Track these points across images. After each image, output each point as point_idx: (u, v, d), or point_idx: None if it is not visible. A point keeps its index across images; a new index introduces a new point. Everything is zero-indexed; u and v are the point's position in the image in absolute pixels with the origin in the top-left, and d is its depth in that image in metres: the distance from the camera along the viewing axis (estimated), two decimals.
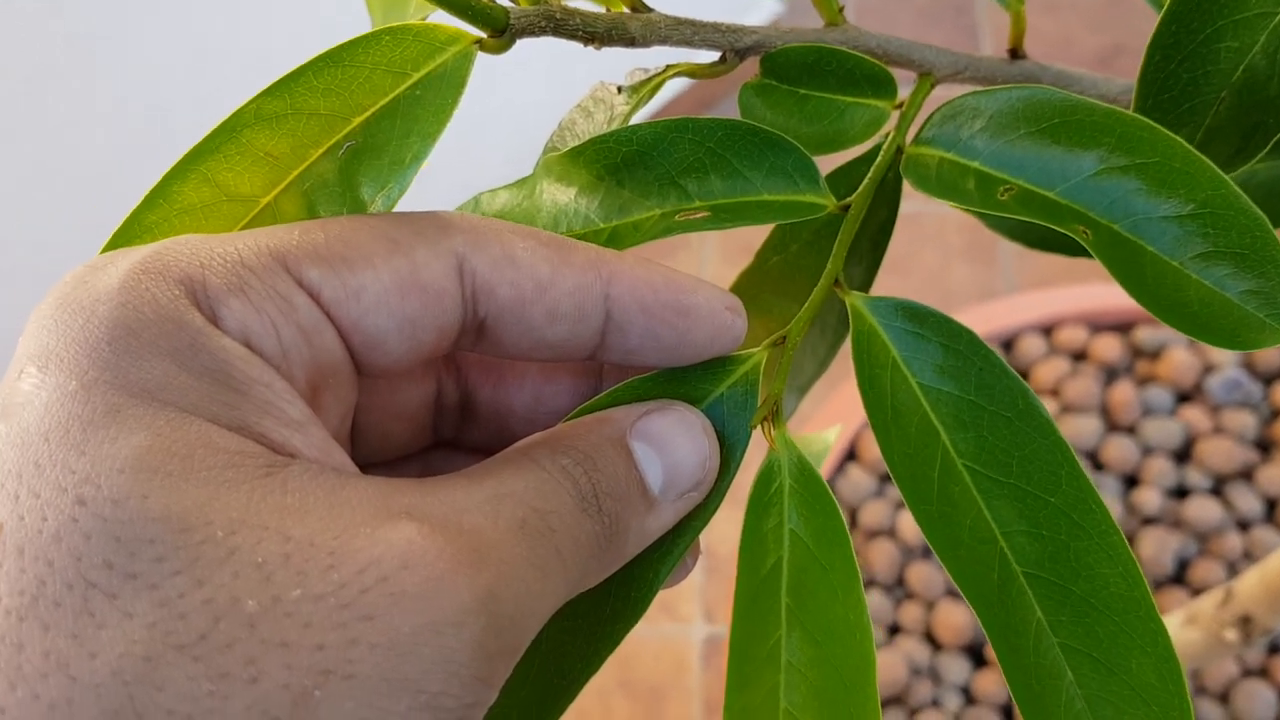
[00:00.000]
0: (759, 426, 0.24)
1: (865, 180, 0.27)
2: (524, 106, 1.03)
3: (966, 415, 0.23)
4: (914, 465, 0.23)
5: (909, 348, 0.24)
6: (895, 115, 0.28)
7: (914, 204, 1.17)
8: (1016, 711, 0.78)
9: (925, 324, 0.24)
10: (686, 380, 0.24)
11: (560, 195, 0.26)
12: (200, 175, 0.22)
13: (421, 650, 0.16)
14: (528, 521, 0.19)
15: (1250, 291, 0.22)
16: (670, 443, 0.22)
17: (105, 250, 0.22)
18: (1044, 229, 0.36)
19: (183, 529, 0.16)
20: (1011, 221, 0.37)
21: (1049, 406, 0.86)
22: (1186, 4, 0.26)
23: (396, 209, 0.23)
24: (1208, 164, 0.23)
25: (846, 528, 0.23)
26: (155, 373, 0.17)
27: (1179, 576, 0.81)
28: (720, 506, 0.23)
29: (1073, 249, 0.36)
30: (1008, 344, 0.89)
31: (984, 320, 0.88)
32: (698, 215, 0.25)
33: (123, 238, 0.22)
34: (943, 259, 1.16)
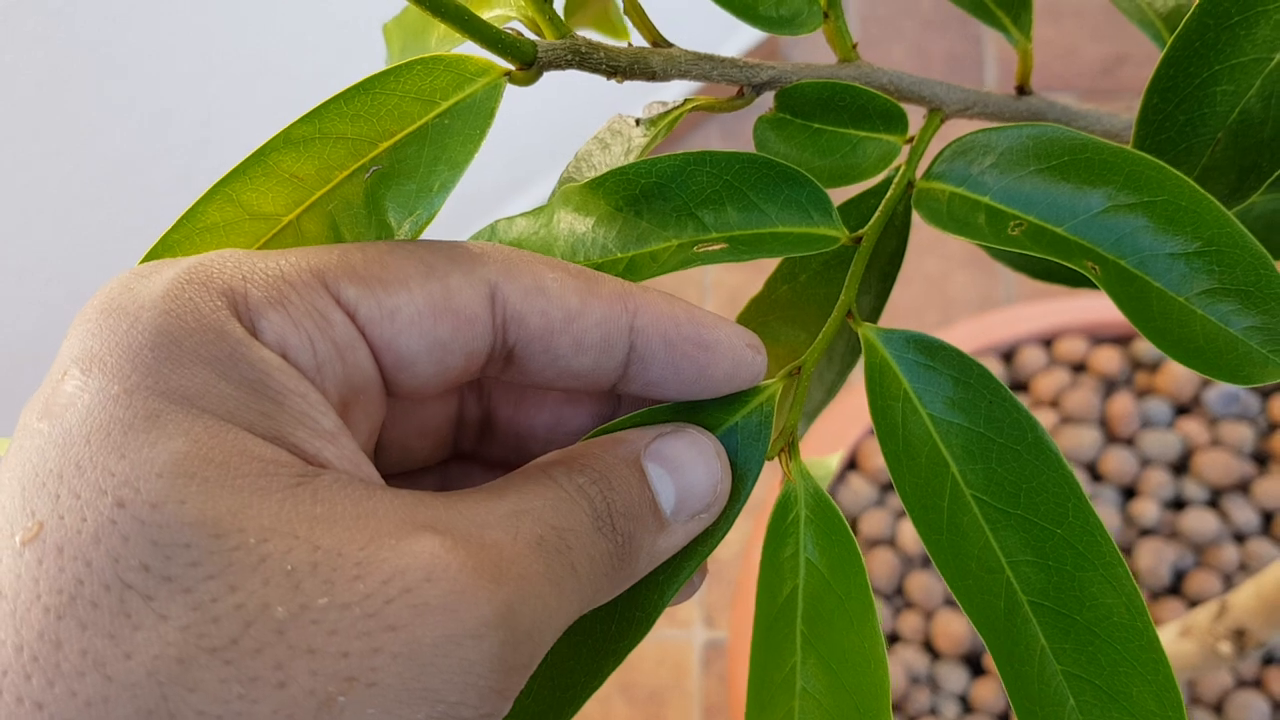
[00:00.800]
0: (775, 457, 0.25)
1: (877, 213, 0.27)
2: (523, 115, 1.04)
3: (976, 447, 0.24)
4: (924, 495, 0.24)
5: (920, 380, 0.25)
6: (906, 150, 0.29)
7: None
8: None
9: (936, 357, 0.25)
10: (703, 409, 0.24)
11: (578, 225, 0.26)
12: (224, 195, 0.23)
13: (442, 661, 0.17)
14: (545, 539, 0.19)
15: (1254, 328, 0.23)
16: (683, 464, 0.23)
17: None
18: (1048, 261, 0.37)
19: (216, 534, 0.16)
20: (1016, 253, 0.38)
21: (1048, 418, 0.86)
22: (1184, 49, 0.27)
23: (424, 236, 0.24)
24: (1213, 202, 0.24)
25: (862, 558, 0.23)
26: (195, 380, 0.18)
27: (1175, 588, 0.82)
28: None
29: (1075, 281, 0.36)
30: (1008, 355, 0.90)
31: (984, 331, 0.89)
32: (715, 247, 0.26)
33: (151, 258, 0.23)
34: (943, 268, 1.16)
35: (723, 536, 0.24)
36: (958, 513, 0.24)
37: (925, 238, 1.17)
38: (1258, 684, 0.78)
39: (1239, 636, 0.66)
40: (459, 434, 0.26)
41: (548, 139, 1.10)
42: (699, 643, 1.05)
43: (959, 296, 1.16)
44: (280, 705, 0.16)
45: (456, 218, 1.08)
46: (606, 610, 0.23)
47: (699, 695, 1.02)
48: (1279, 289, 0.23)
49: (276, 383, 0.19)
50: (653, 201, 0.26)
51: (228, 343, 0.18)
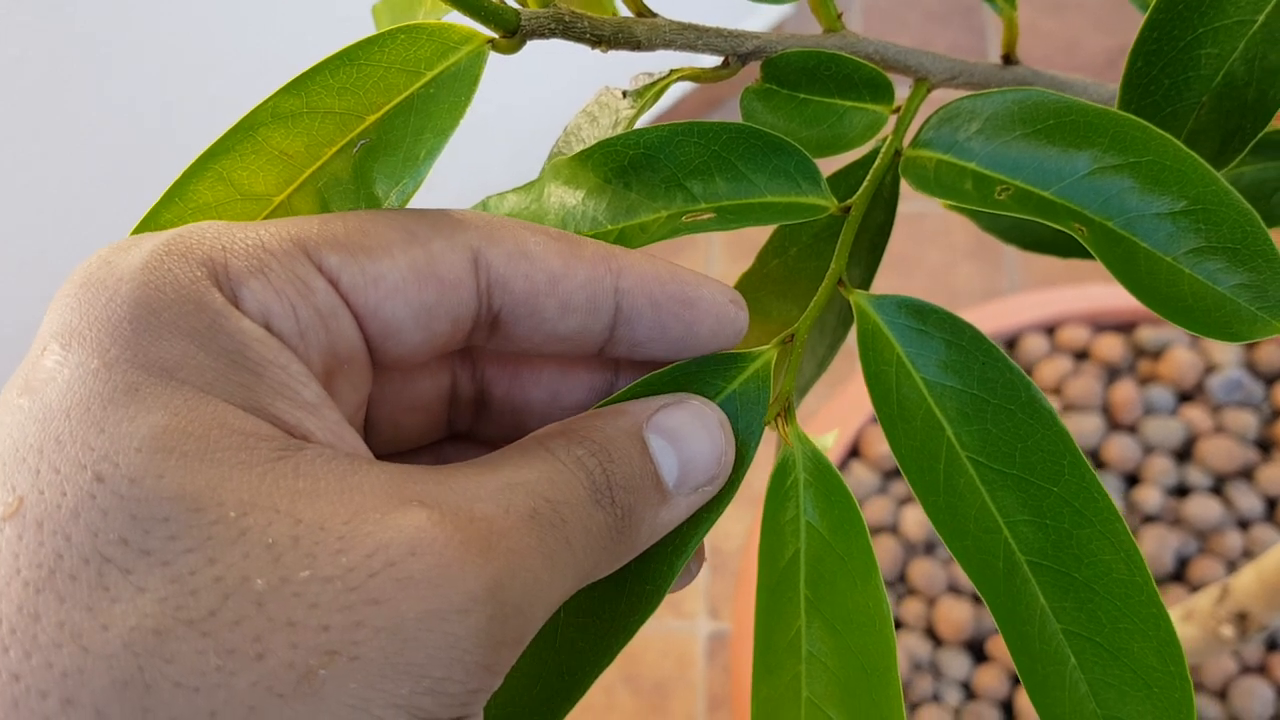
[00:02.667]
0: (772, 422, 0.25)
1: (865, 182, 0.27)
2: (525, 105, 1.04)
3: (970, 409, 0.24)
4: (920, 458, 0.24)
5: (913, 344, 0.25)
6: (893, 120, 0.29)
7: (918, 204, 1.18)
8: (1016, 706, 0.79)
9: (928, 320, 0.25)
10: (700, 377, 0.24)
11: (568, 198, 0.26)
12: (215, 174, 0.22)
13: (426, 636, 0.16)
14: (539, 512, 0.19)
15: (1242, 285, 0.23)
16: (686, 436, 0.23)
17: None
18: (1037, 231, 0.37)
19: (196, 508, 0.16)
20: (1005, 223, 0.38)
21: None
22: (1168, 11, 0.27)
23: (410, 206, 0.24)
24: (1199, 161, 0.24)
25: (863, 518, 0.23)
26: (174, 352, 0.18)
27: (1179, 574, 0.82)
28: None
29: (1066, 250, 0.37)
30: (1011, 343, 0.90)
31: (987, 319, 0.89)
32: (703, 217, 0.26)
33: (140, 230, 0.23)
34: (948, 259, 1.16)
35: (726, 506, 0.24)
36: (954, 474, 0.24)
37: (929, 229, 1.17)
38: (1262, 670, 0.78)
39: (1241, 620, 0.66)
40: (454, 413, 0.26)
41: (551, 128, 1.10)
42: (703, 634, 1.05)
43: (964, 287, 1.16)
44: (259, 677, 0.15)
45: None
46: (615, 587, 0.23)
47: (703, 686, 1.03)
48: (1265, 246, 0.23)
49: (255, 354, 0.19)
50: (641, 173, 0.26)
51: (207, 314, 0.18)
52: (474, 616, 0.17)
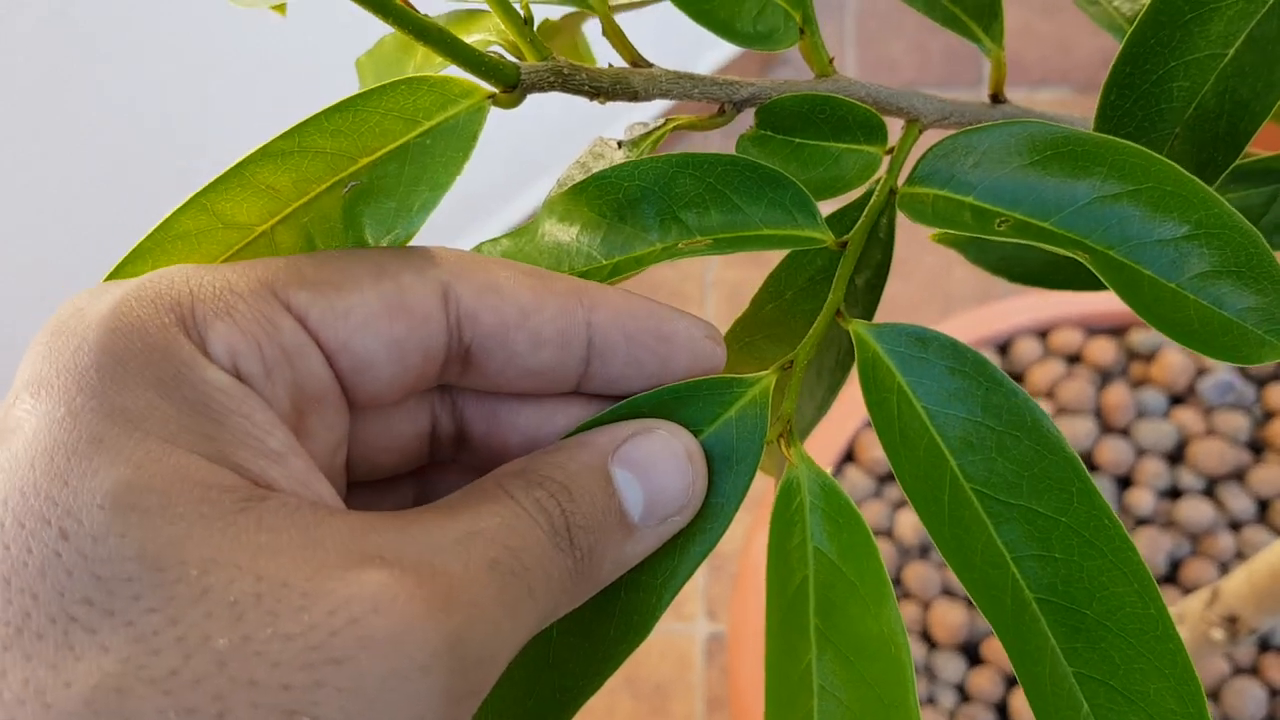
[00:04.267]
0: (775, 442, 0.24)
1: (862, 218, 0.28)
2: (523, 120, 1.05)
3: (974, 437, 0.23)
4: (925, 488, 0.23)
5: (914, 372, 0.24)
6: (887, 160, 0.30)
7: None
8: (1011, 708, 0.80)
9: (929, 348, 0.24)
10: (695, 402, 0.24)
11: (562, 235, 0.26)
12: (199, 205, 0.22)
13: (389, 696, 0.16)
14: (499, 561, 0.19)
15: (1250, 309, 0.23)
16: (653, 468, 0.22)
17: (108, 279, 0.22)
18: (1026, 263, 0.38)
19: (158, 568, 0.16)
20: (993, 257, 0.38)
21: (1044, 409, 0.87)
22: (1140, 45, 0.27)
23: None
24: (1200, 185, 0.24)
25: (874, 540, 0.22)
26: (140, 402, 0.18)
27: (1171, 576, 0.83)
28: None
29: (1054, 282, 0.37)
30: (1003, 347, 0.90)
31: (980, 323, 0.89)
32: (700, 242, 0.25)
33: (124, 266, 0.23)
34: (943, 263, 1.17)
35: (719, 536, 0.23)
36: (958, 507, 0.23)
37: (925, 233, 1.17)
38: (1254, 671, 0.79)
39: (1231, 623, 0.66)
40: (434, 446, 0.26)
41: (543, 149, 1.10)
42: (702, 636, 1.05)
43: (958, 292, 1.16)
44: None
45: (456, 221, 1.08)
46: (607, 612, 0.23)
47: (702, 688, 1.03)
48: (1271, 268, 0.23)
49: (219, 404, 0.19)
50: (636, 206, 0.26)
51: (173, 363, 0.19)
52: (435, 674, 0.17)
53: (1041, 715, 0.22)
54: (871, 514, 0.86)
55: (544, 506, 0.21)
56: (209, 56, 0.87)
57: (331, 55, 0.93)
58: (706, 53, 1.21)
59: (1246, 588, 0.65)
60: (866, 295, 0.30)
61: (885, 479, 0.88)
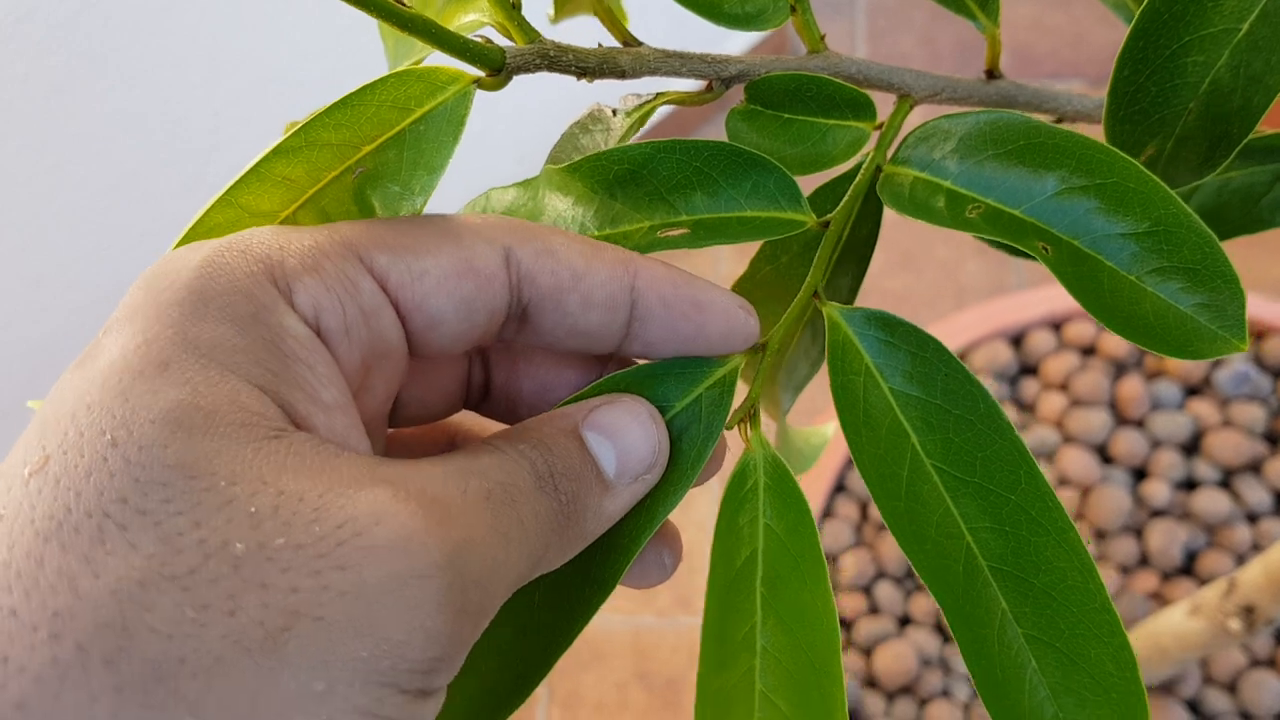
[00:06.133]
0: (735, 428, 0.26)
1: (845, 198, 0.28)
2: (533, 108, 1.05)
3: (934, 419, 0.25)
4: (884, 465, 0.25)
5: (881, 355, 0.25)
6: (875, 136, 0.30)
7: None
8: None
9: (895, 333, 0.25)
10: (666, 380, 0.25)
11: (559, 203, 0.28)
12: (225, 201, 0.24)
13: (388, 599, 0.18)
14: (493, 493, 0.21)
15: (1202, 304, 0.24)
16: (620, 430, 0.24)
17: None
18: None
19: (190, 475, 0.18)
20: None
21: (1058, 400, 0.87)
22: (1153, 20, 0.27)
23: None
24: (1160, 185, 0.25)
25: (814, 520, 0.24)
26: (213, 334, 0.20)
27: (1187, 568, 0.82)
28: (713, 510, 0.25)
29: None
30: (1017, 339, 0.90)
31: (994, 316, 0.89)
32: (676, 232, 0.27)
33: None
34: (955, 255, 1.17)
35: (679, 498, 0.25)
36: (917, 481, 0.25)
37: (938, 228, 1.17)
38: (1271, 663, 0.78)
39: (1248, 613, 0.66)
40: (467, 394, 0.28)
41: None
42: None
43: (971, 284, 1.16)
44: (228, 631, 0.17)
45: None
46: (580, 573, 0.24)
47: None
48: (1224, 267, 0.24)
49: (288, 347, 0.20)
50: (626, 186, 0.27)
51: (254, 304, 0.20)
52: (434, 583, 0.18)
53: (983, 675, 0.24)
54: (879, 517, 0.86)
55: (527, 455, 0.22)
56: (216, 67, 0.88)
57: (335, 62, 0.94)
58: (738, 36, 1.21)
59: (1263, 578, 0.65)
60: (855, 266, 0.31)
61: None
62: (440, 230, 0.23)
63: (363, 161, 0.24)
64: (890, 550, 0.84)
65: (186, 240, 0.24)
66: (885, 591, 0.84)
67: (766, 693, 0.24)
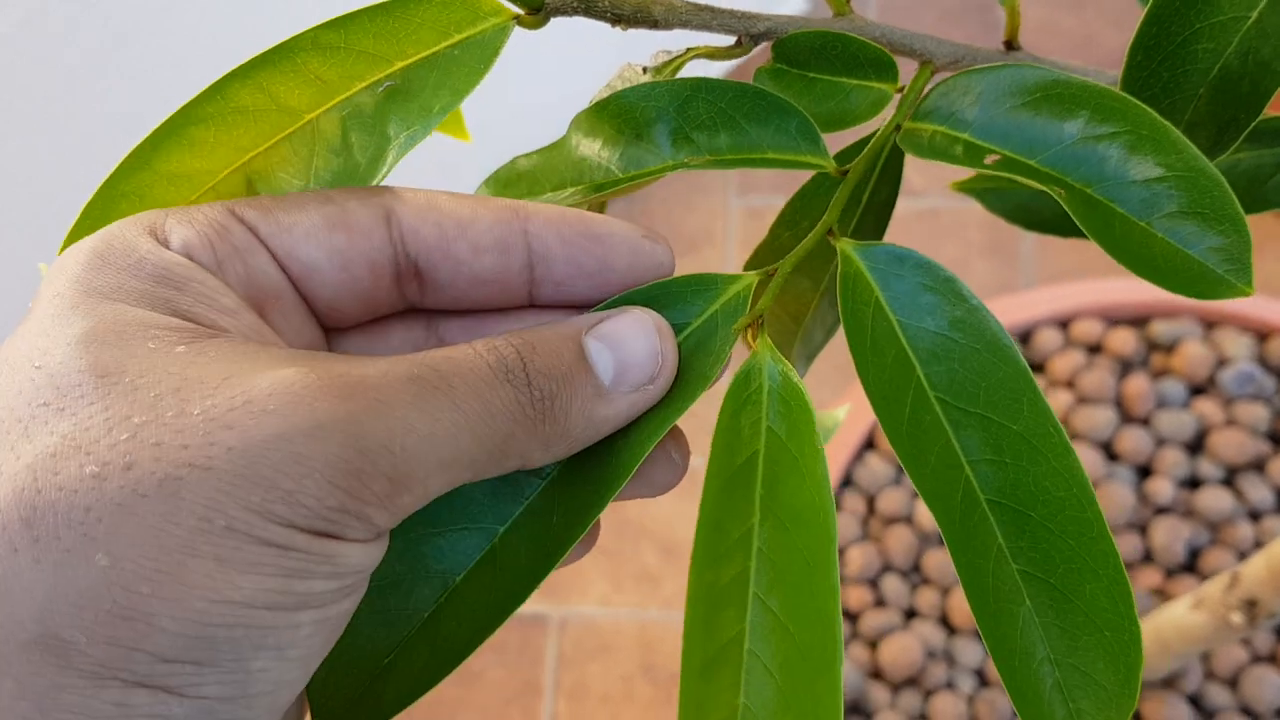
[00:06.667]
0: (744, 331, 0.26)
1: (867, 149, 0.29)
2: (559, 87, 1.06)
3: (940, 349, 0.25)
4: (888, 391, 0.26)
5: (890, 288, 0.26)
6: (897, 98, 0.31)
7: (932, 200, 1.19)
8: None
9: (906, 265, 0.26)
10: (683, 298, 0.26)
11: (586, 149, 0.29)
12: (255, 83, 0.25)
13: (273, 454, 0.19)
14: (419, 375, 0.22)
15: (1212, 248, 0.24)
16: (623, 339, 0.25)
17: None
18: (1040, 211, 0.39)
19: (103, 375, 0.20)
20: (1011, 204, 0.39)
21: (1064, 398, 0.87)
22: (1166, 8, 0.28)
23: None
24: (1173, 131, 0.25)
25: (815, 420, 0.25)
26: (111, 281, 0.22)
27: (1191, 565, 0.83)
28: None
29: (1068, 230, 0.38)
30: (1024, 337, 0.91)
31: (1001, 314, 0.89)
32: (706, 158, 0.28)
33: (179, 122, 0.26)
34: (962, 254, 1.18)
35: (687, 405, 0.25)
36: (921, 412, 0.25)
37: (944, 224, 1.18)
38: (1272, 659, 0.79)
39: (1250, 607, 0.67)
40: None
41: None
42: None
43: (979, 283, 1.17)
44: (125, 483, 0.19)
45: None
46: (597, 464, 0.25)
47: None
48: (1233, 212, 0.24)
49: (176, 275, 0.23)
50: (653, 125, 0.28)
51: (138, 252, 0.23)
52: (320, 441, 0.20)
53: (981, 608, 0.24)
54: (892, 501, 0.86)
55: (497, 350, 0.23)
56: (218, 69, 0.89)
57: None
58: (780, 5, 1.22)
59: (1266, 572, 0.65)
60: (874, 227, 0.32)
61: None
62: (315, 196, 0.25)
63: (393, 76, 0.25)
64: (896, 544, 0.85)
65: (208, 109, 0.25)
66: (891, 585, 0.84)
67: (760, 595, 0.24)
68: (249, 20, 0.88)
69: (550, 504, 0.25)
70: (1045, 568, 0.24)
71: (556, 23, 0.27)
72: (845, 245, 0.27)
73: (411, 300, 0.26)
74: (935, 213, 1.19)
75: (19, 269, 0.87)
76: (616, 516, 1.09)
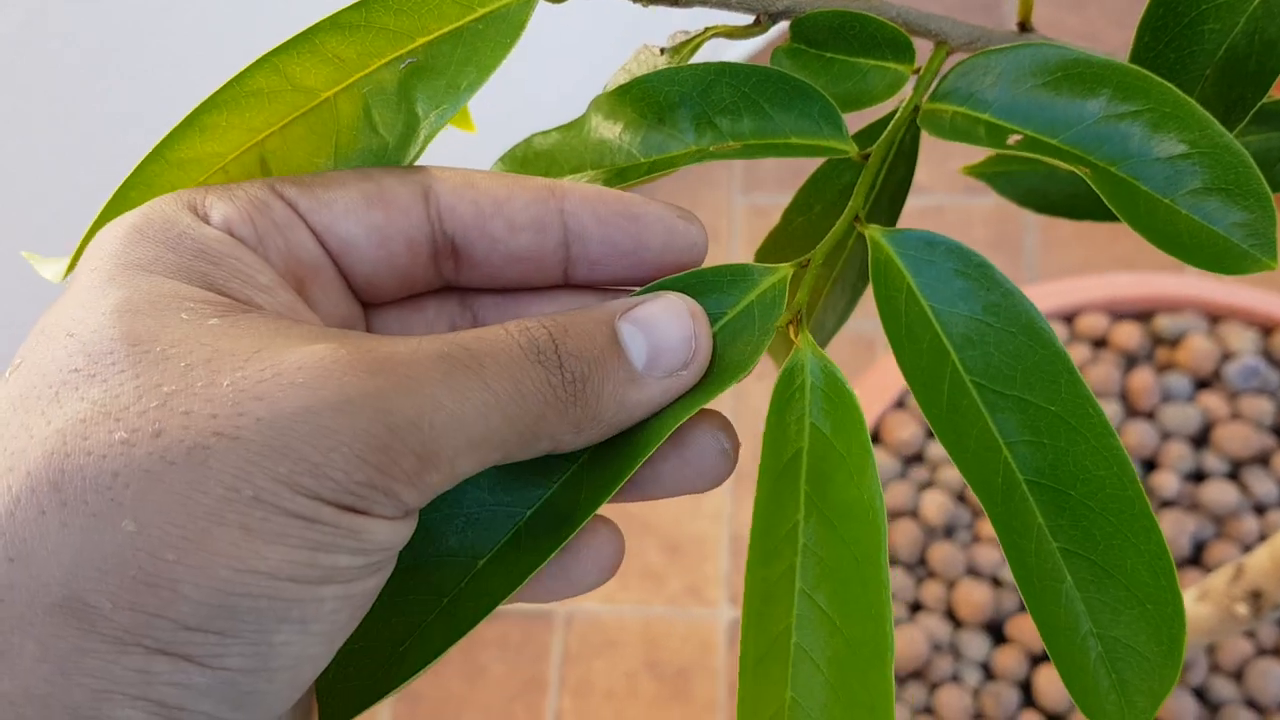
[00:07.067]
0: (786, 327, 0.26)
1: (885, 132, 0.29)
2: (570, 88, 1.06)
3: (975, 334, 0.25)
4: (925, 376, 0.25)
5: (922, 273, 0.26)
6: (913, 80, 0.31)
7: (937, 198, 1.19)
8: (1035, 687, 0.80)
9: (936, 251, 0.26)
10: (719, 288, 0.26)
11: (607, 132, 0.28)
12: (271, 66, 0.25)
13: (301, 426, 0.19)
14: (449, 354, 0.22)
15: (1236, 224, 0.25)
16: (656, 324, 0.25)
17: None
18: (1050, 195, 0.39)
19: (135, 344, 0.20)
20: (1021, 188, 0.39)
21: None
22: None
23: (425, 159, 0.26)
24: (1196, 107, 0.25)
25: (864, 417, 0.25)
26: (148, 254, 0.22)
27: (1196, 558, 0.83)
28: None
29: (1077, 212, 0.38)
30: None
31: None
32: (731, 146, 0.27)
33: (200, 115, 0.25)
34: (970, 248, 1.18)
35: (717, 392, 0.25)
36: (958, 396, 0.25)
37: (950, 221, 1.18)
38: (1277, 652, 0.79)
39: (1255, 598, 0.67)
40: None
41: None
42: (724, 621, 1.06)
43: None
44: (154, 449, 0.19)
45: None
46: (630, 439, 0.25)
47: (724, 672, 1.04)
48: (1258, 187, 0.24)
49: (215, 250, 0.23)
50: (675, 110, 0.28)
51: (179, 227, 0.23)
52: (348, 415, 0.20)
53: (1026, 586, 0.24)
54: (897, 494, 0.86)
55: (529, 331, 0.23)
56: (220, 70, 0.89)
57: None
58: None
59: (1270, 563, 0.65)
60: (889, 209, 0.32)
61: (910, 460, 0.89)
62: (354, 174, 0.25)
63: (415, 53, 0.25)
64: (902, 538, 0.85)
65: (224, 96, 0.25)
66: (897, 578, 0.84)
67: (806, 590, 0.24)
68: (249, 20, 0.88)
69: (577, 490, 0.25)
70: (1086, 545, 0.24)
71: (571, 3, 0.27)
72: (874, 232, 0.27)
73: (448, 278, 0.26)
74: (940, 209, 1.19)
75: (19, 269, 0.87)
76: (621, 514, 1.09)
